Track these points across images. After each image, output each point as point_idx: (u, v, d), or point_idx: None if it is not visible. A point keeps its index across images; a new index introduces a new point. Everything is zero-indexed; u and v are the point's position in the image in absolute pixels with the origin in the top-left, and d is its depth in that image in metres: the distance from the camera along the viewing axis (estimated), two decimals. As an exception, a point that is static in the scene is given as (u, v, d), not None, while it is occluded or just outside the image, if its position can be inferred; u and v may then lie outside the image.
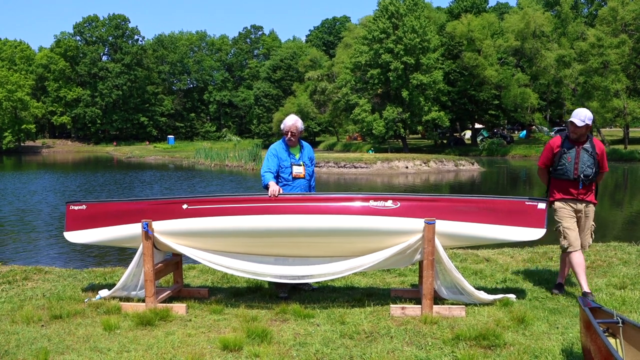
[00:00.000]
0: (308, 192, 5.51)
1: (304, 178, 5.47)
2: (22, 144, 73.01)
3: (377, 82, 46.41)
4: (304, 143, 5.68)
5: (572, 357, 3.77)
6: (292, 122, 5.47)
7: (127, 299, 5.20)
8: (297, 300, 5.11)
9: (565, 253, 5.26)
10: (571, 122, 5.08)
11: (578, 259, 5.10)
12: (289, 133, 5.44)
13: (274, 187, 5.02)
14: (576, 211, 5.21)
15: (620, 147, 40.39)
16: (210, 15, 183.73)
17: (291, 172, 5.42)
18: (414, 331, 4.34)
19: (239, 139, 74.72)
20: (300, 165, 5.47)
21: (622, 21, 38.99)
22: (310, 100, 60.02)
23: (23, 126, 70.02)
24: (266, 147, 52.79)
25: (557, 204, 5.25)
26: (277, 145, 5.54)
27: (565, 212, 5.20)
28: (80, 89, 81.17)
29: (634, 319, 4.37)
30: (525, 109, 47.14)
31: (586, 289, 5.03)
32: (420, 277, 5.08)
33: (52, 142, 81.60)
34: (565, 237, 5.17)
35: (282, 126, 5.51)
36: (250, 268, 5.00)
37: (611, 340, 3.37)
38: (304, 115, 55.32)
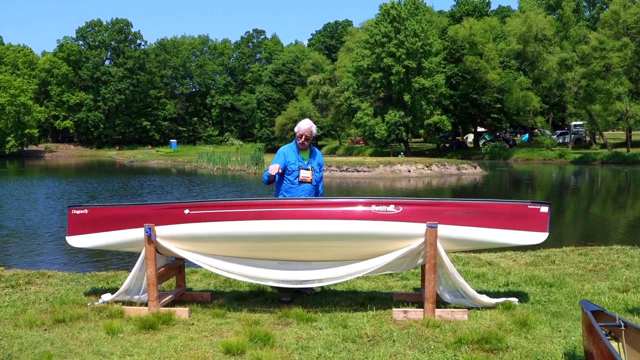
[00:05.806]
0: (314, 196, 5.47)
1: (310, 183, 5.45)
2: (25, 149, 73.11)
3: (379, 86, 46.43)
4: (315, 149, 5.66)
5: (575, 360, 3.77)
6: (307, 126, 5.46)
7: (130, 303, 5.20)
8: (299, 304, 5.10)
9: None
10: None
11: None
12: (303, 137, 5.42)
13: (273, 166, 5.25)
14: None
15: (623, 150, 40.32)
16: (213, 19, 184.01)
17: (298, 176, 5.40)
18: (417, 335, 4.34)
19: (241, 142, 74.65)
20: (308, 169, 5.45)
21: (624, 24, 38.99)
22: (313, 104, 60.00)
23: (26, 130, 70.20)
24: (269, 151, 52.89)
25: None
26: (287, 148, 5.53)
27: None
28: (83, 93, 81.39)
29: (637, 322, 4.36)
30: (528, 112, 47.12)
31: None
32: (423, 280, 5.07)
33: (55, 146, 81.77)
34: None
35: (296, 129, 5.49)
36: (252, 273, 4.99)
37: (613, 344, 3.36)
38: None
